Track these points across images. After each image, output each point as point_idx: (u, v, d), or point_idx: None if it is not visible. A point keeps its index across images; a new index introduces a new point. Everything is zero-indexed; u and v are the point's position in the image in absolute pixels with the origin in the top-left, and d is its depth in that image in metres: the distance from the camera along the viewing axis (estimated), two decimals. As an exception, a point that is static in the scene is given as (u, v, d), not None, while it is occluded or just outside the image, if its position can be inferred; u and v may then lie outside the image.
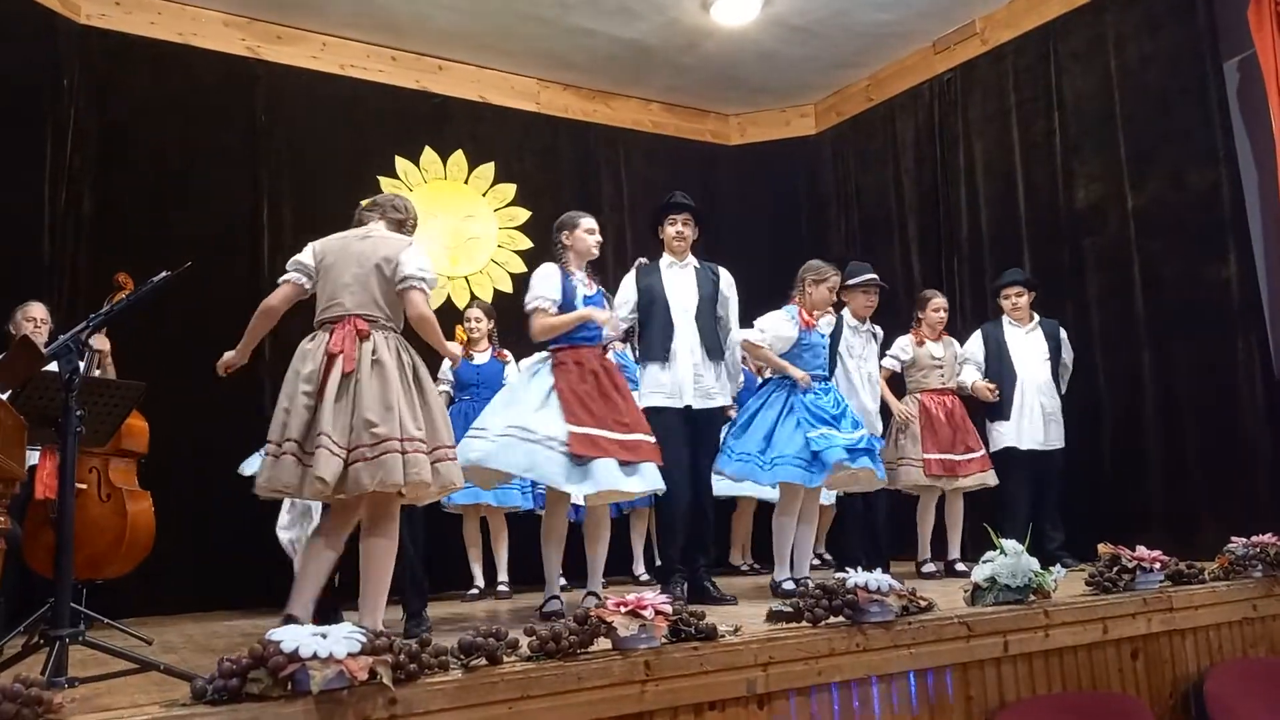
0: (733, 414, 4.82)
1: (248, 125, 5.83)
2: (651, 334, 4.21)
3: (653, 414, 4.07)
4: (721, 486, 4.85)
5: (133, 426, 4.10)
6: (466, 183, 6.60)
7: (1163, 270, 5.37)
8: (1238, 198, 5.12)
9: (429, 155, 6.46)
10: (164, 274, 2.82)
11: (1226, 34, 5.21)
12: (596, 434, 3.67)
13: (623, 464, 3.68)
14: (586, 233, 4.03)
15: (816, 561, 5.94)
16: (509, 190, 6.69)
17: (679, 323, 4.20)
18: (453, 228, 6.49)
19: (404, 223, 3.34)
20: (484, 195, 6.65)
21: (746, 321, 4.70)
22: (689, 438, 4.14)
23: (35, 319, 4.35)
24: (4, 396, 2.76)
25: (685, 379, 4.14)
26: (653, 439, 3.85)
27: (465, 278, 6.50)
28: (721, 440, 4.50)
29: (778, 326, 4.45)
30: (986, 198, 6.30)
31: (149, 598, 4.73)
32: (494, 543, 5.36)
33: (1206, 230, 5.18)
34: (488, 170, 6.64)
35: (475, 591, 5.25)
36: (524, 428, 3.63)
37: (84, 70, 5.37)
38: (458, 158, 6.56)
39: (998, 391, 5.18)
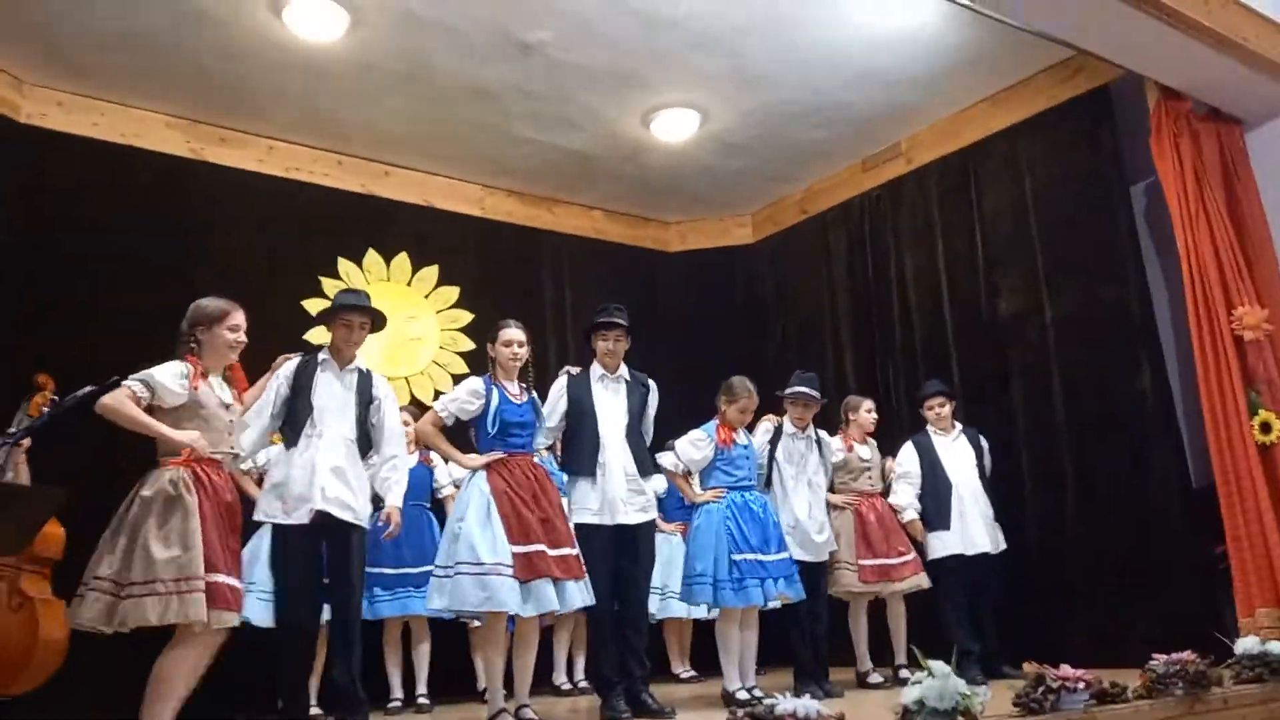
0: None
1: (186, 227, 5.79)
2: (580, 449, 4.21)
3: (581, 530, 4.09)
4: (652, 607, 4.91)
5: (47, 533, 4.00)
6: (410, 284, 6.64)
7: (1081, 379, 5.58)
8: (1147, 311, 5.38)
9: (372, 257, 6.51)
10: (89, 389, 2.79)
11: (1132, 160, 5.56)
12: (536, 551, 3.71)
13: (557, 581, 3.71)
14: (504, 345, 4.10)
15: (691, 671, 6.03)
16: (452, 293, 6.74)
17: (609, 439, 4.21)
18: (394, 329, 6.42)
19: (181, 336, 3.45)
20: (427, 297, 6.69)
21: (670, 425, 4.79)
22: (618, 552, 4.15)
23: None
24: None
25: (618, 495, 4.15)
26: (577, 552, 3.88)
27: (405, 378, 6.48)
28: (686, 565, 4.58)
29: (689, 452, 4.61)
30: (916, 307, 6.53)
31: (60, 715, 4.48)
32: (414, 651, 5.19)
33: (1120, 342, 5.41)
34: (431, 273, 6.70)
35: (397, 703, 5.08)
36: (472, 562, 3.67)
37: (17, 169, 5.32)
38: (401, 260, 6.61)
39: (935, 500, 5.21)
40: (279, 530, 3.63)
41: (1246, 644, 3.75)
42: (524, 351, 4.11)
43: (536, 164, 6.74)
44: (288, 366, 3.81)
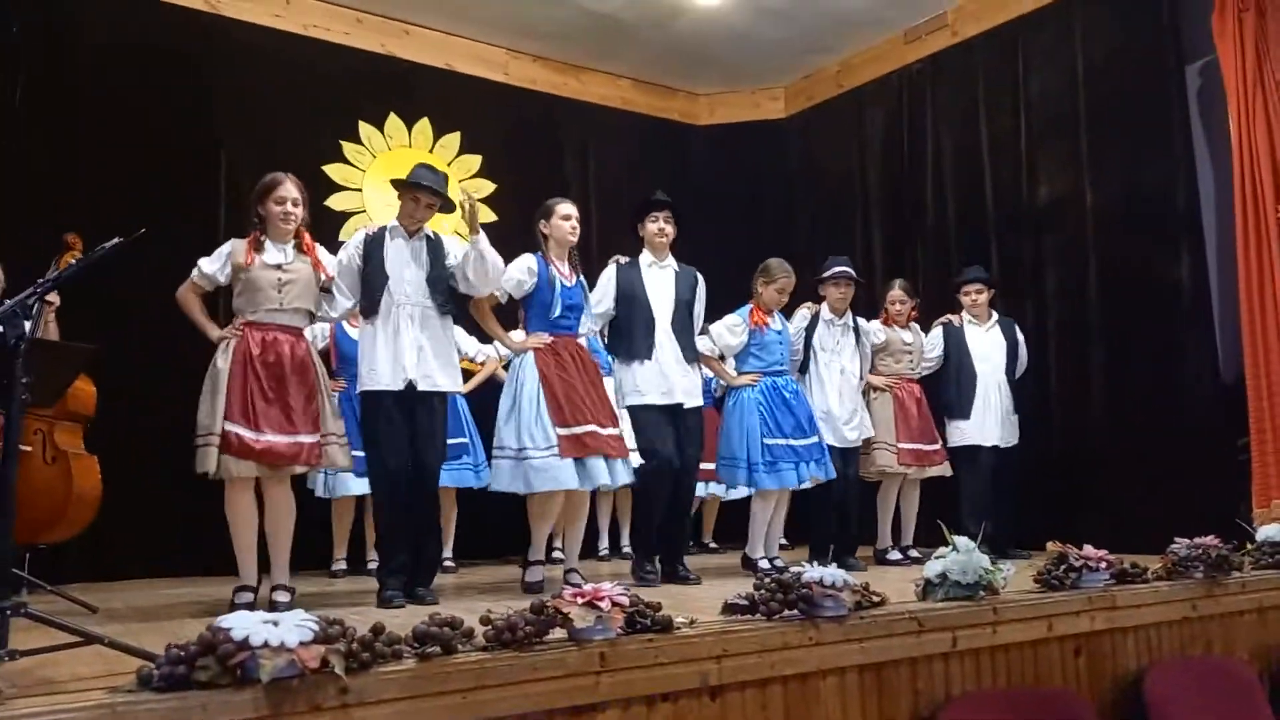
0: None
1: (208, 84, 5.64)
2: (634, 333, 4.21)
3: (639, 411, 4.16)
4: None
5: (79, 390, 4.01)
6: (431, 151, 6.48)
7: (1118, 267, 5.47)
8: (1193, 199, 5.21)
9: (393, 122, 6.34)
10: (116, 240, 2.73)
11: (1190, 38, 5.28)
12: (588, 431, 3.78)
13: (609, 458, 3.83)
14: (562, 219, 4.02)
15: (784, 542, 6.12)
16: (474, 161, 6.59)
17: (659, 324, 4.22)
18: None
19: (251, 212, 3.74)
20: (449, 165, 6.54)
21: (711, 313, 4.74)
22: (675, 433, 4.19)
23: None
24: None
25: (674, 376, 4.18)
26: (620, 432, 3.95)
27: (426, 248, 6.40)
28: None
29: (725, 337, 4.62)
30: (952, 189, 6.35)
31: (94, 564, 4.65)
32: (442, 518, 5.29)
33: (1162, 230, 5.28)
34: (453, 140, 6.53)
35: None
36: (525, 446, 3.78)
37: (36, 16, 5.15)
38: (423, 125, 6.44)
39: (958, 389, 5.21)
40: (366, 399, 3.61)
41: (1269, 531, 3.78)
42: (579, 228, 4.07)
43: (563, 27, 6.46)
44: (357, 236, 3.77)
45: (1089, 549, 3.09)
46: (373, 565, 5.15)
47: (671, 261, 4.37)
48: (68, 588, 3.87)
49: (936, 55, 6.44)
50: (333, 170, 6.01)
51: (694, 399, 4.27)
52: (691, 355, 4.30)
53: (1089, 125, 5.61)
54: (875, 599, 2.62)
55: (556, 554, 5.33)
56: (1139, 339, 5.33)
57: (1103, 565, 3.06)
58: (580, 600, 2.12)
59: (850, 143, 7.02)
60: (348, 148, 6.10)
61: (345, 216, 6.02)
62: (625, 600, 2.19)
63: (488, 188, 6.58)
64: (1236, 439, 4.92)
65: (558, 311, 3.94)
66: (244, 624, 1.77)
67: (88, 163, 5.19)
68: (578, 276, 4.09)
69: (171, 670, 1.73)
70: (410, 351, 3.58)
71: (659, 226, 4.29)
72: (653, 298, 4.24)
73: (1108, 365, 5.46)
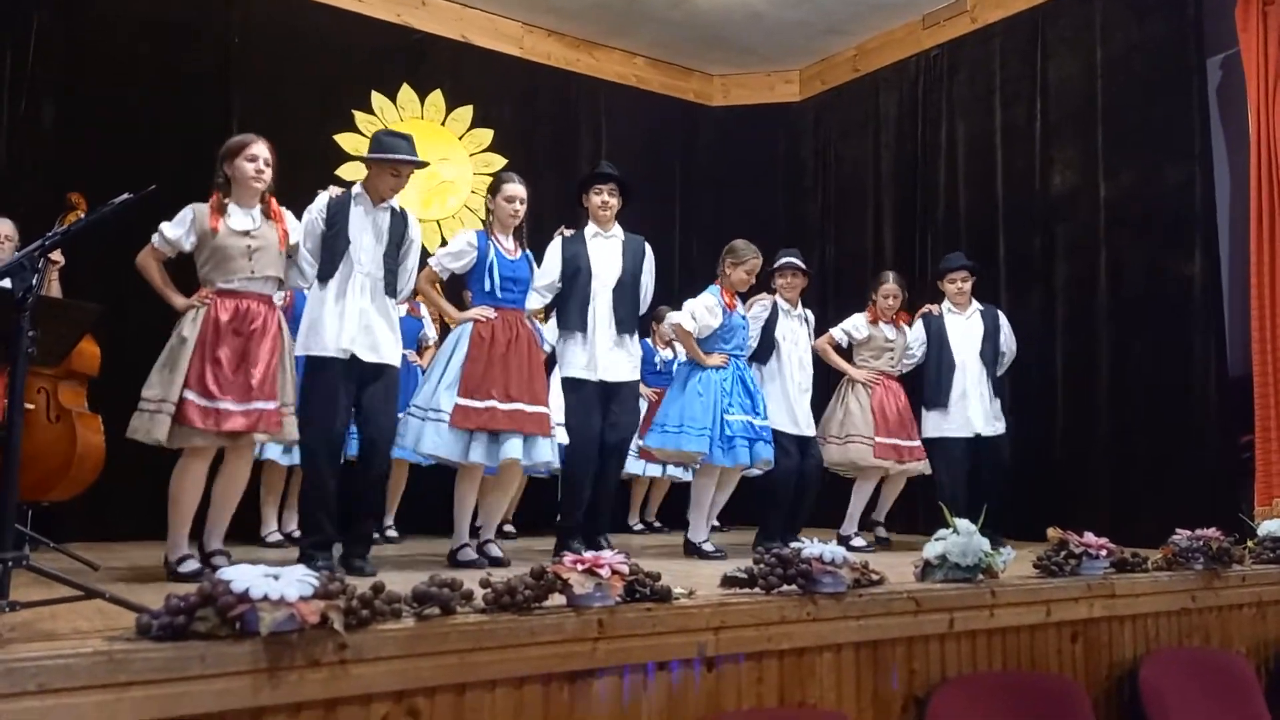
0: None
1: (221, 48, 5.63)
2: (571, 306, 4.20)
3: (571, 385, 4.15)
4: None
5: (84, 349, 4.02)
6: (444, 124, 6.46)
7: (1128, 262, 5.43)
8: (1209, 195, 5.16)
9: (406, 93, 6.31)
10: (125, 196, 2.71)
11: (1212, 30, 5.22)
12: (481, 405, 3.75)
13: (502, 434, 3.76)
14: (505, 200, 4.01)
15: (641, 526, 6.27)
16: (486, 135, 6.57)
17: (597, 295, 4.21)
18: (427, 170, 6.31)
19: (215, 173, 3.54)
20: (460, 138, 6.52)
21: (700, 284, 4.69)
22: (603, 409, 4.18)
23: (2, 236, 4.23)
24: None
25: (601, 353, 4.17)
26: (545, 410, 3.91)
27: (437, 221, 6.40)
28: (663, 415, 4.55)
29: (705, 317, 4.53)
30: (965, 177, 6.31)
31: (97, 522, 4.66)
32: (389, 487, 5.21)
33: (1175, 225, 5.23)
34: (465, 113, 6.51)
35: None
36: (432, 407, 3.79)
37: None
38: (435, 98, 6.42)
39: (936, 378, 5.16)
40: (311, 363, 3.57)
41: (1270, 526, 3.76)
42: (524, 209, 4.04)
43: (579, 3, 6.43)
44: (320, 200, 3.68)
45: (1090, 536, 3.08)
46: (392, 534, 5.15)
47: (617, 231, 4.35)
48: (70, 546, 3.90)
49: (954, 41, 6.38)
50: (344, 140, 6.00)
51: (626, 374, 4.22)
52: (631, 328, 4.27)
53: (1106, 116, 5.55)
54: (874, 577, 2.62)
55: (508, 527, 5.35)
56: (1147, 333, 5.29)
57: (1103, 553, 3.06)
58: (580, 567, 2.13)
59: (864, 128, 6.97)
60: (360, 117, 6.08)
61: (356, 186, 6.02)
62: (625, 568, 2.20)
63: (499, 162, 6.56)
64: (1241, 435, 4.90)
65: (498, 284, 3.92)
66: (244, 576, 1.77)
67: (98, 125, 5.17)
68: (522, 250, 4.09)
69: (171, 620, 1.73)
70: (355, 320, 3.54)
71: (603, 199, 4.26)
72: (597, 269, 4.22)
73: (1114, 358, 5.43)
